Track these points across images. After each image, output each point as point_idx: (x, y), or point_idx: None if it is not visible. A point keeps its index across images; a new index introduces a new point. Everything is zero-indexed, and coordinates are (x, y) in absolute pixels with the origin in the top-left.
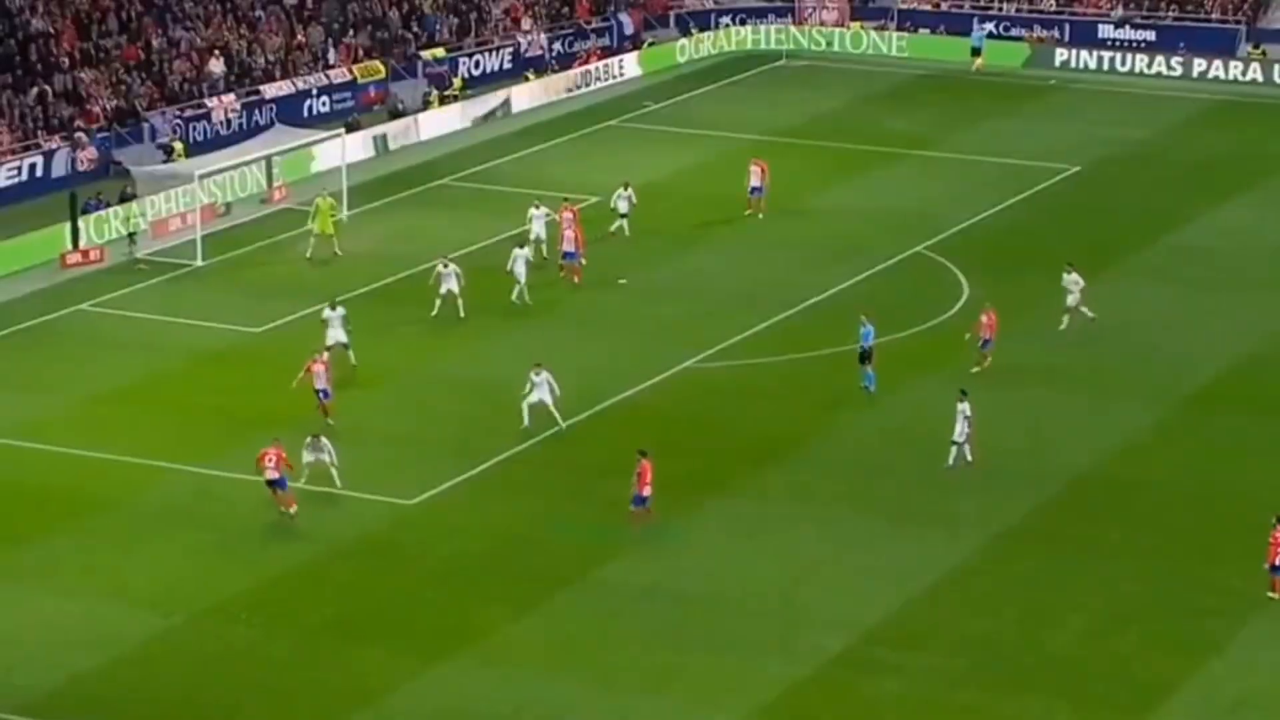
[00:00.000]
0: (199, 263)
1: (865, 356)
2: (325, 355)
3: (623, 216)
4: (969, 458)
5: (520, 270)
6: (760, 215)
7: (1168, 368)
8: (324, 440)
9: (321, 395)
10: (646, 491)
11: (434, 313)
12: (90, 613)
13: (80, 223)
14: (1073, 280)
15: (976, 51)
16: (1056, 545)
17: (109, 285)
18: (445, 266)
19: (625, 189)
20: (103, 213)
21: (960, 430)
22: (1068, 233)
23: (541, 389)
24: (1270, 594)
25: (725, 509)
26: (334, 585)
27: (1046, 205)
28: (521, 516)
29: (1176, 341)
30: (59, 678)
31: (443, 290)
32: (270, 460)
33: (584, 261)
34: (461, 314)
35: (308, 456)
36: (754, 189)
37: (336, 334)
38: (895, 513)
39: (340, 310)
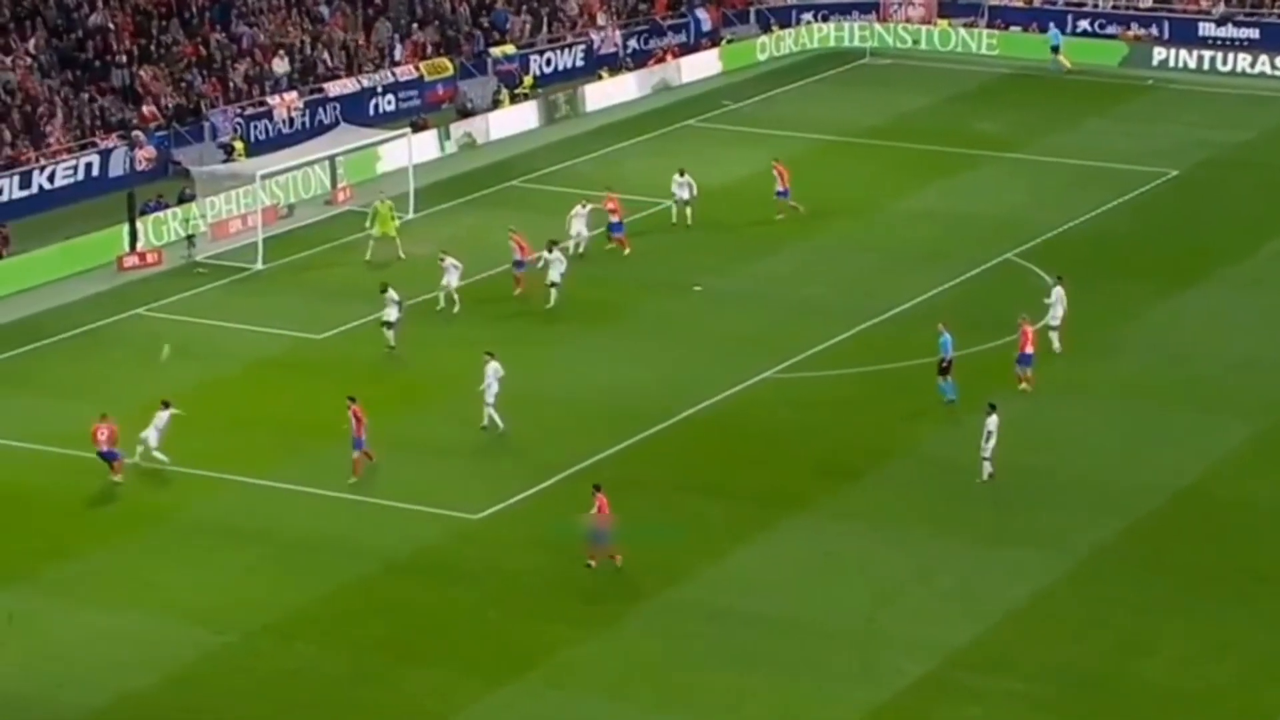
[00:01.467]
0: (259, 266)
1: (945, 368)
2: (356, 405)
3: (684, 204)
4: (985, 475)
5: (556, 275)
6: (781, 217)
7: (1267, 381)
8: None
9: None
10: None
11: (438, 307)
12: (141, 629)
13: (138, 224)
14: (1058, 295)
15: (1056, 49)
16: (1150, 567)
17: (167, 289)
18: (444, 260)
19: (682, 175)
20: (161, 214)
21: (989, 446)
22: (1163, 239)
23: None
24: None
25: (802, 527)
26: (393, 602)
27: (1142, 211)
28: None
29: (1277, 354)
30: (107, 696)
31: (443, 283)
32: (103, 434)
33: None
34: (455, 309)
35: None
36: (780, 192)
37: (391, 312)
38: (980, 532)
39: (393, 294)
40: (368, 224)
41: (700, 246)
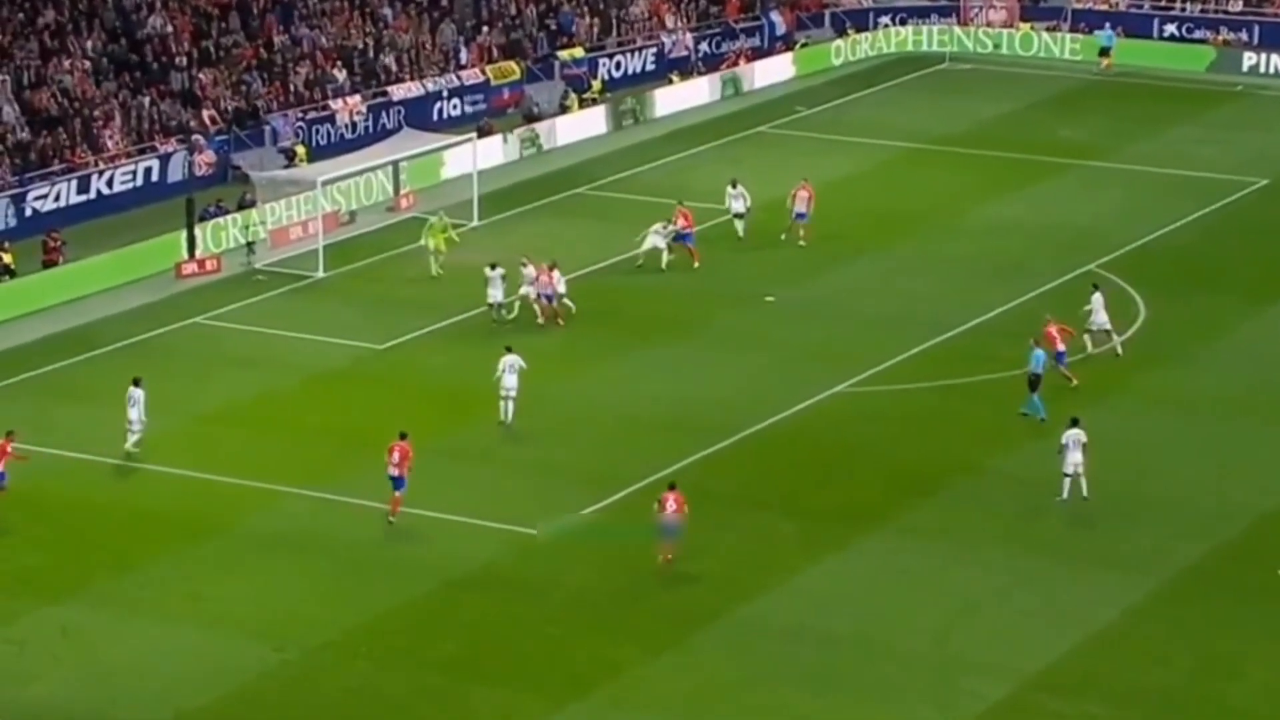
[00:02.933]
0: (320, 274)
1: (1034, 383)
2: (402, 442)
3: (738, 217)
4: (1085, 493)
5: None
6: (784, 237)
7: None
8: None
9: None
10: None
11: (510, 315)
12: (198, 645)
13: (196, 231)
14: (1098, 300)
15: (1105, 51)
16: (1237, 589)
17: (226, 297)
18: (493, 270)
19: (734, 186)
20: (220, 220)
21: (1072, 461)
22: (1253, 251)
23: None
24: None
25: (877, 545)
26: (456, 619)
27: (1231, 221)
28: (656, 549)
29: None
30: (164, 714)
31: (490, 299)
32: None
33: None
34: (509, 316)
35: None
36: (798, 214)
37: (496, 294)
38: (1060, 552)
39: (500, 270)
40: (425, 238)
41: (772, 256)
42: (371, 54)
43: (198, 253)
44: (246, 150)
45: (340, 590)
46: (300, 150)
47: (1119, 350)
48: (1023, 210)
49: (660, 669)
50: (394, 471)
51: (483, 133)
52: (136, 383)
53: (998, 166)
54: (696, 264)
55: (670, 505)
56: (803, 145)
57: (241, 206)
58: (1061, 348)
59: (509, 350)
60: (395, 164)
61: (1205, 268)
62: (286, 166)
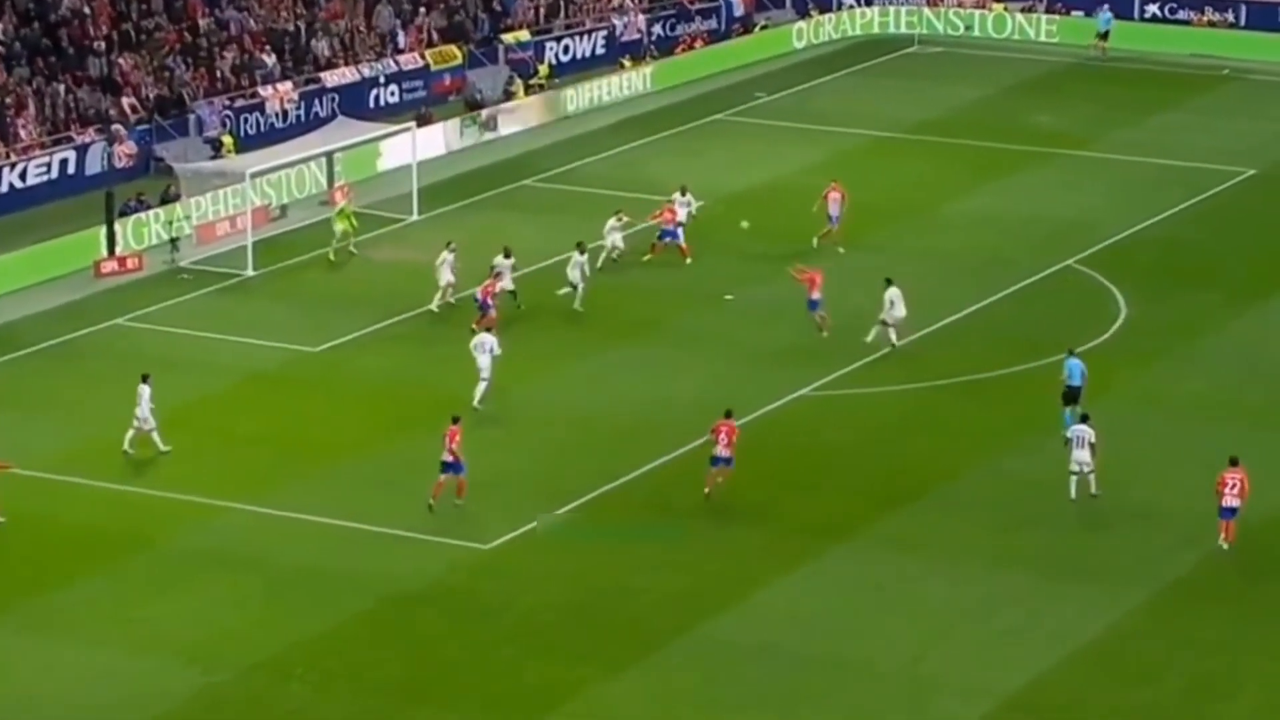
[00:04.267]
0: (250, 272)
1: (1072, 396)
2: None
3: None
4: (1093, 490)
5: (576, 276)
6: (840, 249)
7: None
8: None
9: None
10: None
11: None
12: (124, 668)
13: (117, 227)
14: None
15: (1104, 35)
16: (1229, 604)
17: (148, 297)
18: (505, 259)
19: (684, 194)
20: (142, 215)
21: (1079, 459)
22: (1241, 245)
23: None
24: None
25: (849, 558)
26: (400, 639)
27: (1217, 214)
28: (616, 563)
29: None
30: None
31: (442, 281)
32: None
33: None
34: (437, 305)
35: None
36: (833, 217)
37: (505, 283)
38: (1041, 566)
39: (510, 260)
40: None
41: (732, 252)
42: (303, 38)
43: (118, 250)
44: (170, 141)
45: (276, 610)
46: (227, 140)
47: (895, 343)
48: (996, 202)
49: (620, 690)
50: (449, 457)
51: (422, 121)
52: (145, 379)
53: (972, 156)
54: (688, 260)
55: (722, 438)
56: (763, 134)
57: (165, 201)
58: (816, 295)
59: (485, 331)
60: (329, 155)
61: (1191, 263)
62: (213, 158)
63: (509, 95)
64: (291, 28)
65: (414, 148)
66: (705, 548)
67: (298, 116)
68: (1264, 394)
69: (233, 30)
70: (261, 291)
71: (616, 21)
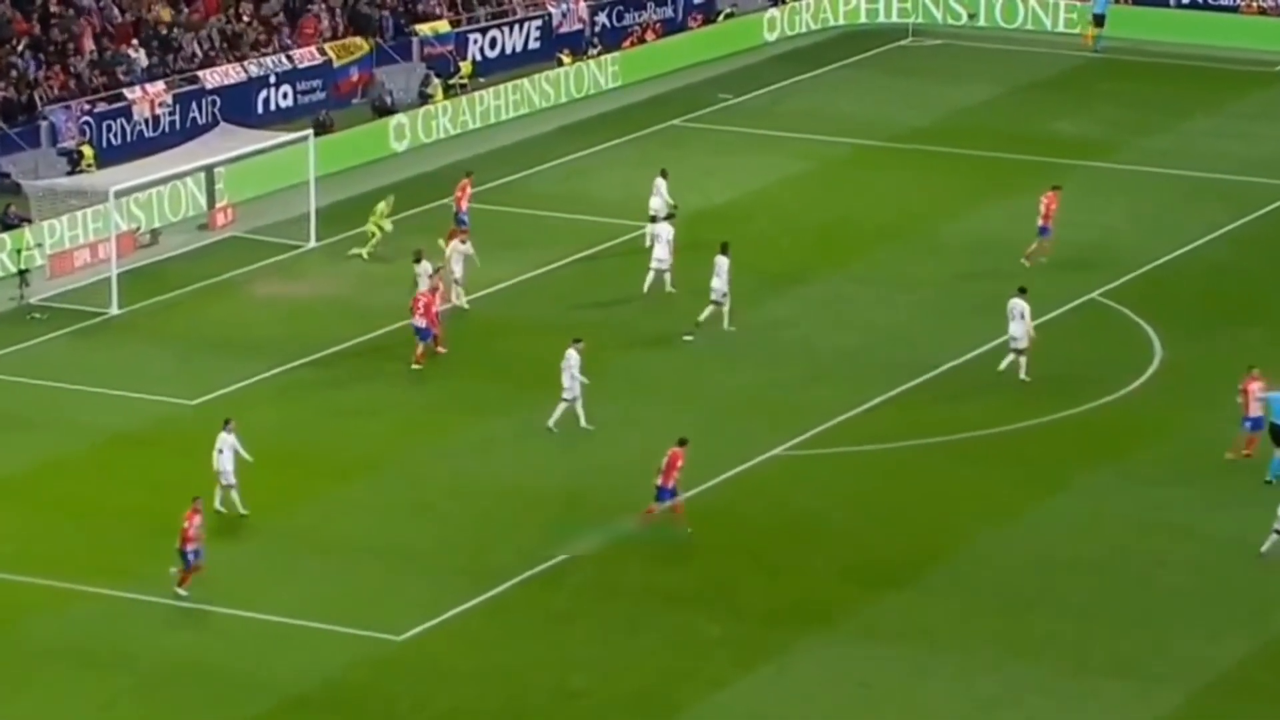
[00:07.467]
0: (114, 310)
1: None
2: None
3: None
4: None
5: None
6: (1027, 261)
7: None
8: None
9: None
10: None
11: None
12: None
13: None
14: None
15: (1099, 20)
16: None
17: None
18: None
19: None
20: None
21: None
22: None
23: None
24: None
25: (827, 651)
26: None
27: (1264, 236)
28: (552, 658)
29: None
30: None
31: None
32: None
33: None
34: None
35: None
36: (1042, 229)
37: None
38: (1061, 656)
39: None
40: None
41: (690, 284)
42: (178, 30)
43: None
44: (17, 152)
45: (149, 714)
46: (87, 152)
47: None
48: (1006, 223)
49: None
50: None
51: (321, 128)
52: (226, 425)
53: (976, 168)
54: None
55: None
56: (729, 142)
57: (9, 226)
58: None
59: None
60: (209, 170)
61: (1234, 293)
62: (70, 173)
63: (425, 98)
64: (164, 17)
65: (311, 160)
66: (656, 640)
67: (171, 123)
68: None
69: (93, 21)
70: (128, 333)
71: (553, 10)
